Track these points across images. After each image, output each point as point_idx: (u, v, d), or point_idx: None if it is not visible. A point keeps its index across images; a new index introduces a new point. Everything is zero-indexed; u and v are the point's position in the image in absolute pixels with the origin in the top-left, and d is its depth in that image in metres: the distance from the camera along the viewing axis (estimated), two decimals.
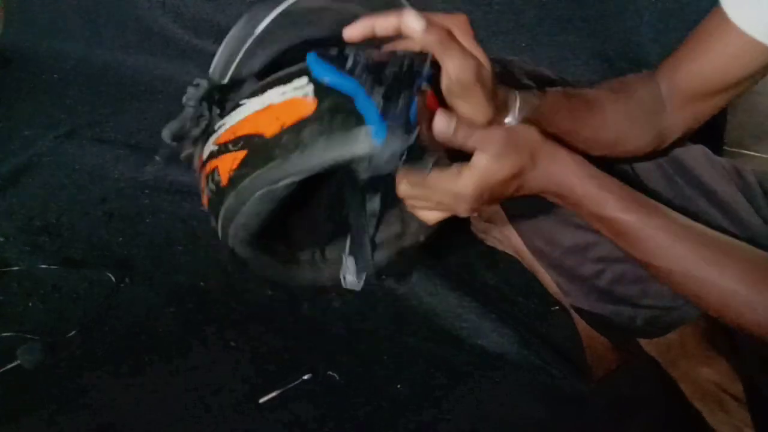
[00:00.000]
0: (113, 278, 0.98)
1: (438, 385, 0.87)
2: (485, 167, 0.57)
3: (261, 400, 0.84)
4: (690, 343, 0.76)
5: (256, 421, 0.82)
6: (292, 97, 0.55)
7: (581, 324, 0.90)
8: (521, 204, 0.88)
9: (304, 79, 0.55)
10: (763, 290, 0.56)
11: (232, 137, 0.58)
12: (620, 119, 0.74)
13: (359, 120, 0.52)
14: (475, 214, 0.65)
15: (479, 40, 1.33)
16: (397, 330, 0.92)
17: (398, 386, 0.86)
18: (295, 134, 0.54)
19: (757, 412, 0.69)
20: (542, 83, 0.87)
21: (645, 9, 1.21)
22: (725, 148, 1.30)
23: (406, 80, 0.53)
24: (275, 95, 0.56)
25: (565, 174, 0.60)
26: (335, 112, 0.53)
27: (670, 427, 0.75)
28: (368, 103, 0.52)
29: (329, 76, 0.54)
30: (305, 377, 0.86)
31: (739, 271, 0.58)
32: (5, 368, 0.85)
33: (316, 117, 0.53)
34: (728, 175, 0.81)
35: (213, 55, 1.50)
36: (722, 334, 0.77)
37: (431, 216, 0.62)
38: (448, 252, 1.06)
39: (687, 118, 0.73)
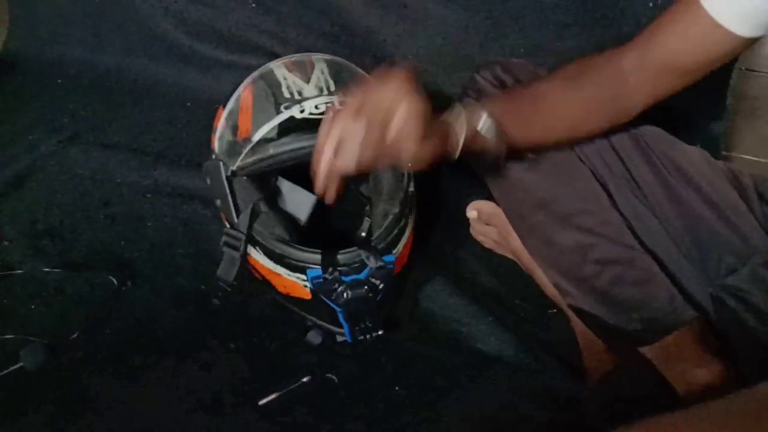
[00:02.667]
0: (115, 281, 0.98)
1: (436, 387, 0.87)
2: None
3: (260, 402, 0.84)
4: (685, 345, 0.77)
5: (256, 423, 0.83)
6: (295, 281, 0.83)
7: (578, 327, 0.90)
8: (521, 204, 0.90)
9: (303, 276, 0.81)
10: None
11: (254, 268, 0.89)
12: (574, 110, 0.77)
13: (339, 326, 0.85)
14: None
15: (479, 45, 1.35)
16: (395, 333, 0.92)
17: (396, 389, 0.87)
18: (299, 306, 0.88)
19: None
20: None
21: (643, 15, 1.22)
22: (723, 152, 1.31)
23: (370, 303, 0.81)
24: (283, 270, 0.83)
25: None
26: (325, 313, 0.85)
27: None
28: (345, 325, 0.84)
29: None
30: (304, 380, 0.87)
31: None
32: (8, 370, 0.86)
33: (312, 305, 0.85)
34: (725, 178, 0.81)
35: (215, 60, 1.51)
36: (717, 337, 0.78)
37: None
38: (445, 255, 1.07)
39: (648, 94, 0.75)
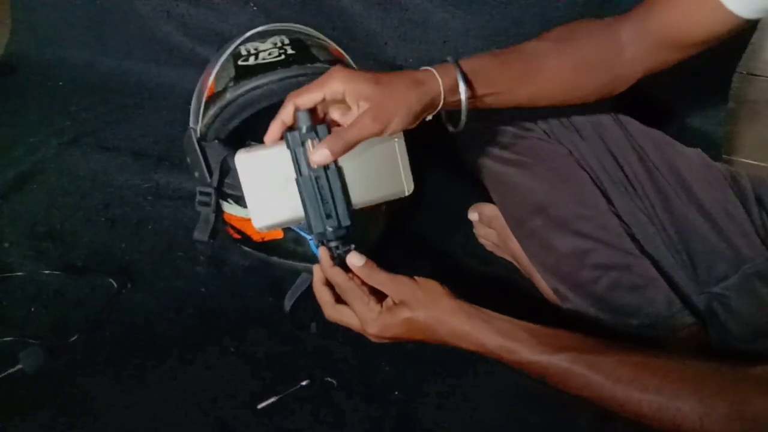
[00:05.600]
0: (115, 284, 0.98)
1: (435, 391, 0.87)
2: (390, 323, 0.69)
3: (259, 406, 0.84)
4: (682, 350, 0.77)
5: (254, 426, 0.82)
6: None
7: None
8: (519, 209, 0.90)
9: None
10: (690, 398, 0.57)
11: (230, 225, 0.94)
12: (565, 72, 0.76)
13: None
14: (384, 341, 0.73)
15: (477, 48, 1.35)
16: None
17: (396, 393, 0.87)
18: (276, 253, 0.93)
19: None
20: None
21: None
22: (724, 156, 1.31)
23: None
24: None
25: (472, 334, 0.67)
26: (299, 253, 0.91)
27: None
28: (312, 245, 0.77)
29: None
30: (303, 383, 0.87)
31: (658, 381, 0.58)
32: (7, 372, 0.86)
33: (286, 247, 0.91)
34: (724, 181, 0.81)
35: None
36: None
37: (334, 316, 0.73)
38: (444, 259, 1.07)
39: (644, 66, 0.75)
